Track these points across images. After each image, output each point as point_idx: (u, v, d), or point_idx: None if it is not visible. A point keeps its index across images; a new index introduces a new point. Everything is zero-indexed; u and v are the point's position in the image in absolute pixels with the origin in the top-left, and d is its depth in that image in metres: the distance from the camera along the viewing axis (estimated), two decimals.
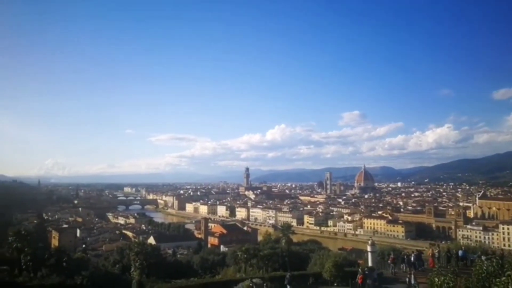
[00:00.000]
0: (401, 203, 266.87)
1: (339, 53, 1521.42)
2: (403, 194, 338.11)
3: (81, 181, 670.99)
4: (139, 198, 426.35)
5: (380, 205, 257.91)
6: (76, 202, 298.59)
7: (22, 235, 44.33)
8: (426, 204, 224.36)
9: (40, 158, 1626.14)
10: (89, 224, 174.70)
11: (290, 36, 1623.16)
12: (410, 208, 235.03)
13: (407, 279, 28.56)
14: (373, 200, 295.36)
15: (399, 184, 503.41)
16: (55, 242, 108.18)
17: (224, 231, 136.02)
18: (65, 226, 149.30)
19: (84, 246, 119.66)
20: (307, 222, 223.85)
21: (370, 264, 34.52)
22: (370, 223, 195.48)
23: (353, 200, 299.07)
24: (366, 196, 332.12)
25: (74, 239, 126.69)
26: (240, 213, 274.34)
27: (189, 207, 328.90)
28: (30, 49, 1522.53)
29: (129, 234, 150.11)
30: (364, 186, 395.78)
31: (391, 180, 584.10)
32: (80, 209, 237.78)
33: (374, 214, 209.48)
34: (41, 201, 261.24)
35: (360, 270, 29.66)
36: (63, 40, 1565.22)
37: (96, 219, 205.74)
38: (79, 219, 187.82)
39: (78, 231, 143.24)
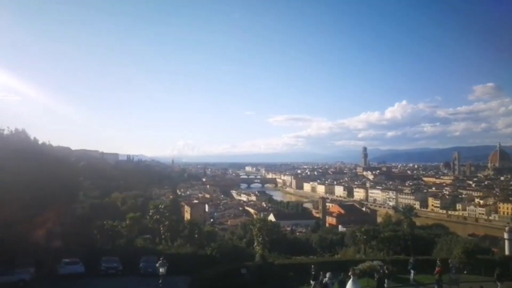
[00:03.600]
0: None
1: (469, 18, 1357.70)
2: None
3: (208, 160, 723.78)
4: (259, 177, 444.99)
5: None
6: (204, 179, 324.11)
7: (160, 208, 49.67)
8: None
9: (173, 139, 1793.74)
10: (215, 200, 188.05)
11: (410, 2, 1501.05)
12: None
13: None
14: (510, 183, 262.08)
15: None
16: (187, 215, 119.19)
17: (342, 211, 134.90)
18: (195, 201, 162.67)
19: (211, 220, 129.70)
20: (432, 205, 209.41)
21: (507, 252, 31.29)
22: (507, 208, 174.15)
23: (485, 183, 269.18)
24: (502, 178, 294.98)
25: (203, 213, 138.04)
26: (358, 194, 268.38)
27: (307, 187, 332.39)
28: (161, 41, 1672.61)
29: (251, 210, 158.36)
30: (500, 167, 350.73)
31: None
32: (207, 186, 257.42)
33: None
34: (175, 178, 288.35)
35: (438, 261, 27.01)
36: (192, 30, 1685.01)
37: (222, 196, 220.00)
38: (207, 195, 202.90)
39: (206, 206, 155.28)
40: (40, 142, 45.38)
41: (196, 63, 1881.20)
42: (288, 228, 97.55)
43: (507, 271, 26.27)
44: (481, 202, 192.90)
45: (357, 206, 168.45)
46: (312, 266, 25.05)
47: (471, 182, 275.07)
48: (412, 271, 27.64)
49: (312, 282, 23.67)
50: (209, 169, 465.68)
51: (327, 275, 23.63)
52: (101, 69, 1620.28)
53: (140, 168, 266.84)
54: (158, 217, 47.58)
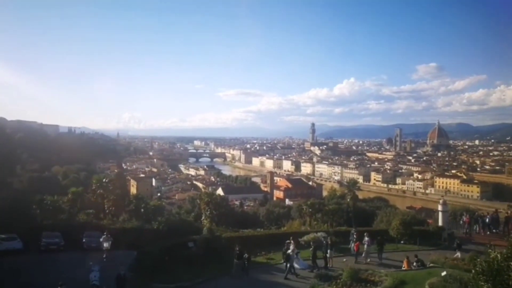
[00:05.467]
0: (477, 162, 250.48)
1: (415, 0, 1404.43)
2: (481, 153, 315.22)
3: (155, 134, 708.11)
4: (208, 151, 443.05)
5: (454, 163, 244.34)
6: (151, 153, 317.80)
7: (104, 182, 47.91)
8: (507, 163, 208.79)
9: (119, 112, 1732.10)
10: (163, 174, 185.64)
11: None
12: (487, 167, 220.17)
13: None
14: (446, 159, 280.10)
15: (476, 142, 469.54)
16: (133, 190, 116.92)
17: (289, 185, 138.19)
18: (142, 175, 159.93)
19: (159, 194, 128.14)
20: (374, 179, 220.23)
21: (440, 223, 33.44)
22: (442, 182, 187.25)
23: (424, 158, 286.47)
24: (439, 154, 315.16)
25: (150, 187, 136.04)
26: (305, 168, 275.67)
27: (256, 161, 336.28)
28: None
29: (199, 185, 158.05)
30: (437, 144, 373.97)
31: (468, 137, 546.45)
32: (155, 160, 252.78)
33: (447, 173, 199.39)
34: (120, 152, 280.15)
35: (354, 235, 28.17)
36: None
37: (169, 170, 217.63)
38: (154, 170, 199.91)
39: (153, 180, 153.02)
40: None
41: (145, 35, 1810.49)
42: (237, 202, 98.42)
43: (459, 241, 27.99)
44: (419, 176, 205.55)
45: (304, 180, 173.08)
46: (237, 245, 24.95)
47: (410, 158, 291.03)
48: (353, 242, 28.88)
49: (235, 261, 23.61)
50: (157, 143, 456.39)
51: (291, 247, 24.16)
52: (42, 35, 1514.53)
53: (82, 141, 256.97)
54: (102, 191, 45.91)
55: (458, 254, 25.92)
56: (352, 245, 28.25)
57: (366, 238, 26.72)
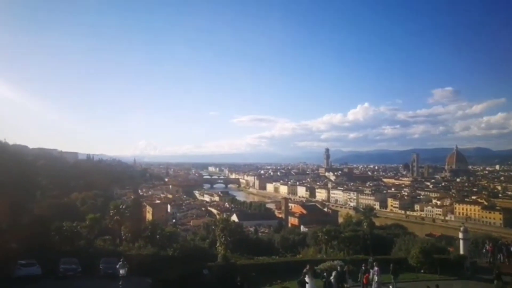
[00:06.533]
0: (499, 187, 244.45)
1: (428, 22, 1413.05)
2: (502, 178, 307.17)
3: (171, 160, 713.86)
4: (222, 177, 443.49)
5: (475, 189, 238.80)
6: (166, 179, 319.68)
7: (121, 208, 48.50)
8: None
9: (136, 139, 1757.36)
10: (178, 200, 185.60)
11: (372, 7, 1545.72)
12: (510, 193, 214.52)
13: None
14: (466, 184, 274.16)
15: (497, 167, 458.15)
16: (149, 216, 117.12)
17: (304, 212, 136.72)
18: (157, 201, 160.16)
19: (174, 220, 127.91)
20: (391, 206, 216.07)
21: (462, 252, 32.59)
22: (462, 209, 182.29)
23: (443, 184, 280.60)
24: (458, 180, 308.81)
25: (166, 214, 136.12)
26: (320, 194, 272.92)
27: (270, 187, 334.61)
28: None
29: (214, 211, 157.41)
30: (456, 169, 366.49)
31: (487, 162, 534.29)
32: (170, 186, 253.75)
33: (467, 199, 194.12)
34: (137, 178, 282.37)
35: (363, 266, 26.50)
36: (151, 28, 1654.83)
37: (184, 196, 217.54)
38: (170, 196, 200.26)
39: (169, 206, 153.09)
40: None
41: (160, 63, 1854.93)
42: (251, 229, 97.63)
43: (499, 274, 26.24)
44: (438, 203, 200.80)
45: (319, 206, 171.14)
46: (238, 276, 24.56)
47: (428, 183, 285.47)
48: (371, 270, 28.23)
49: None
50: (172, 169, 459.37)
51: (333, 273, 23.72)
52: (61, 65, 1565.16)
53: (100, 168, 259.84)
54: (118, 217, 46.49)
55: (495, 283, 24.53)
56: (361, 276, 26.36)
57: (376, 268, 25.28)
